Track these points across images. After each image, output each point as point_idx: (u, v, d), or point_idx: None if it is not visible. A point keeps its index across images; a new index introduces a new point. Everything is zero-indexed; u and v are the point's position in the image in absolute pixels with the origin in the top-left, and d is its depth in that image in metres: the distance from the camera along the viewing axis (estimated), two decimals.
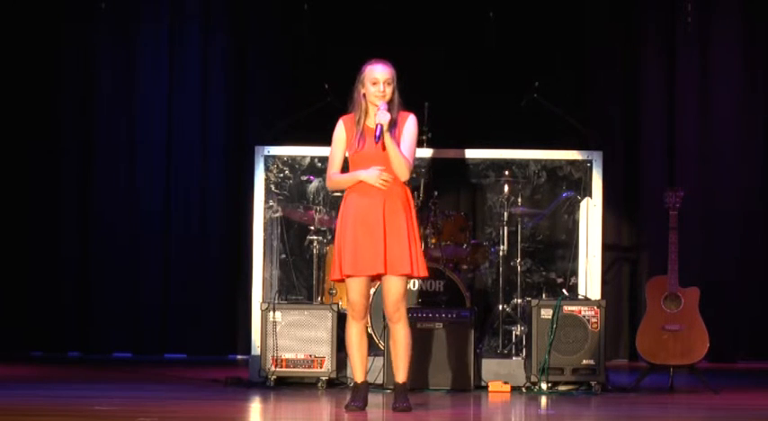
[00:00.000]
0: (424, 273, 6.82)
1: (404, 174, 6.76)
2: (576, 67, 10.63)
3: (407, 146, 6.79)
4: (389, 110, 6.74)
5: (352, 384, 7.03)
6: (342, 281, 6.84)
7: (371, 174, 6.75)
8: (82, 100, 10.70)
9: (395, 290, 6.74)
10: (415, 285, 8.57)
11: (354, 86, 6.83)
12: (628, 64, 10.70)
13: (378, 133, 6.67)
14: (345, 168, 6.90)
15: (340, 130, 6.87)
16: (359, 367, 6.83)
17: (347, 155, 6.88)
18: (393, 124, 6.77)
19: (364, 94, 6.79)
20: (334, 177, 6.87)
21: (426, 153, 8.72)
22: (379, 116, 6.70)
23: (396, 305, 6.75)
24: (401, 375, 6.85)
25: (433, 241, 8.92)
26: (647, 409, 7.25)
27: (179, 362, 10.26)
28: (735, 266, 10.49)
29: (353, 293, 6.78)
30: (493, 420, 6.92)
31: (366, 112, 6.83)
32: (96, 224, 10.62)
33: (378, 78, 6.74)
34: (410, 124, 6.85)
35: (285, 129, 9.09)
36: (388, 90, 6.75)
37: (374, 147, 6.74)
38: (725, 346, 10.20)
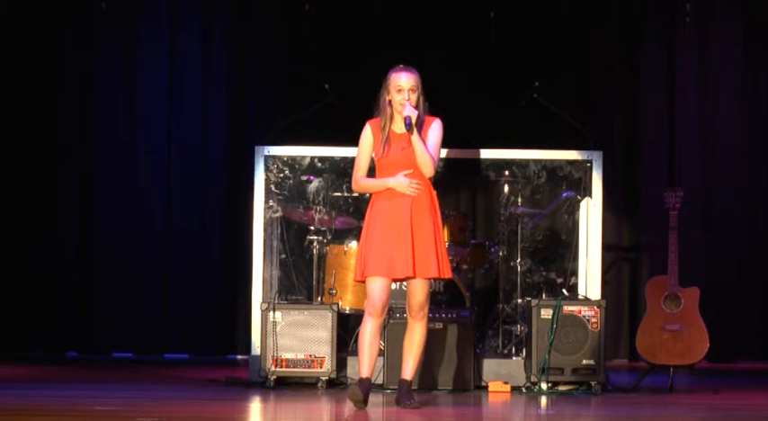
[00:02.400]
0: (448, 274, 6.94)
1: (429, 171, 6.87)
2: (576, 67, 10.63)
3: (433, 145, 6.91)
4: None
5: (354, 381, 7.01)
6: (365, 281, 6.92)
7: (401, 182, 6.85)
8: (82, 100, 10.69)
9: (421, 292, 6.89)
10: None
11: (380, 92, 6.92)
12: (628, 64, 10.69)
13: (407, 122, 6.76)
14: (371, 171, 7.01)
15: (367, 134, 6.96)
16: (366, 362, 6.83)
17: (373, 157, 6.96)
18: (419, 126, 6.85)
19: (389, 101, 6.88)
20: (362, 181, 6.99)
21: None
22: (406, 110, 6.80)
23: (420, 305, 6.90)
24: (409, 372, 6.94)
25: None
26: (647, 409, 7.25)
27: (179, 362, 10.25)
28: (735, 266, 10.48)
29: (375, 292, 6.82)
30: (493, 420, 6.91)
31: (391, 118, 6.92)
32: (96, 224, 10.61)
33: (402, 86, 6.85)
34: (435, 127, 6.97)
35: (285, 129, 9.08)
36: (413, 97, 6.86)
37: (399, 152, 6.87)
38: (725, 346, 10.17)
